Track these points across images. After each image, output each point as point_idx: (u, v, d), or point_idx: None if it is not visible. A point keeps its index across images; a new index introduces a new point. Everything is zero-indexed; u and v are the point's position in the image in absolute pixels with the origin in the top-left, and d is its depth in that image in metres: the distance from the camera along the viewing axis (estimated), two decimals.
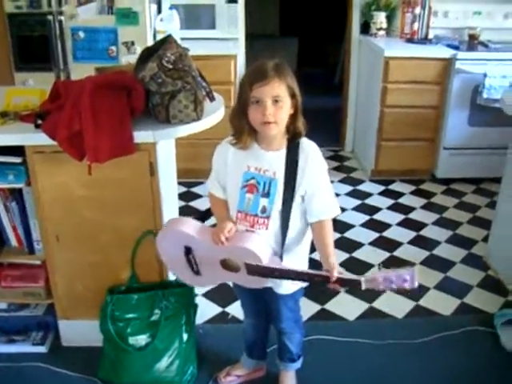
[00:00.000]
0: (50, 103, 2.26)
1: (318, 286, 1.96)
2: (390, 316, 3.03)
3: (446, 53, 4.32)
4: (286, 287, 2.16)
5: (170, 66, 2.21)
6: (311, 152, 1.99)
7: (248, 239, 1.99)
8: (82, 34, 3.78)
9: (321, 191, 2.00)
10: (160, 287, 2.48)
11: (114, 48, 3.81)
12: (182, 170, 3.82)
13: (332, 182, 4.40)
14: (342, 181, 4.69)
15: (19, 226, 2.49)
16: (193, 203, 4.20)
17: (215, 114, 2.39)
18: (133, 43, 3.82)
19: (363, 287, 1.82)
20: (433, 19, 4.72)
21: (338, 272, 1.88)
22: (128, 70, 2.43)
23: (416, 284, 1.78)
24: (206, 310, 2.96)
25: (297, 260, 2.09)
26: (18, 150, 2.29)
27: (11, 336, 2.73)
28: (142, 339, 2.43)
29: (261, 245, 1.99)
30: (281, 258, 2.02)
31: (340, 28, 6.95)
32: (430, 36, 4.70)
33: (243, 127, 1.94)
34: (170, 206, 2.66)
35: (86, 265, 2.52)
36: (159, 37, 4.04)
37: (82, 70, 3.68)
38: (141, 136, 2.22)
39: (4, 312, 2.75)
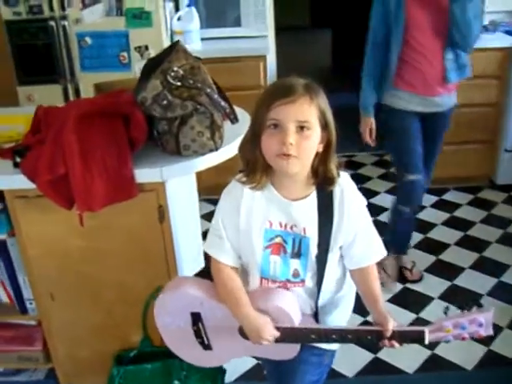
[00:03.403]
0: (31, 136, 1.82)
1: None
2: (457, 366, 2.52)
3: (506, 41, 3.77)
4: None
5: (178, 83, 1.75)
6: (346, 193, 1.49)
7: (277, 296, 1.54)
8: (89, 40, 3.34)
9: (361, 237, 1.53)
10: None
11: (125, 54, 3.37)
12: (209, 185, 3.37)
13: (378, 192, 4.06)
14: (389, 191, 4.15)
15: (7, 283, 2.07)
16: None
17: (239, 138, 1.90)
18: (146, 47, 3.37)
19: (427, 340, 1.45)
20: (487, 2, 4.13)
21: (393, 325, 1.47)
22: (133, 85, 1.98)
23: (491, 330, 1.46)
24: (237, 363, 2.48)
25: (337, 317, 1.66)
26: None
27: None
28: None
29: (292, 302, 1.55)
30: (315, 316, 1.60)
31: None
32: (486, 22, 4.12)
33: (256, 160, 1.44)
34: (190, 250, 2.19)
35: (89, 326, 2.10)
36: (177, 38, 3.58)
37: (91, 81, 3.27)
38: (145, 175, 1.77)
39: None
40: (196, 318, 1.61)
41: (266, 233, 1.50)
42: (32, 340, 2.20)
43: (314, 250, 1.50)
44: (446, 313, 1.49)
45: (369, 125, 2.81)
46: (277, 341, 1.53)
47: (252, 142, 1.43)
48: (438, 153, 3.04)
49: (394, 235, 3.03)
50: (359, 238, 1.53)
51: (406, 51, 2.65)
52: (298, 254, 1.51)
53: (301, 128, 1.36)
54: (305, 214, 1.48)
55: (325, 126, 1.41)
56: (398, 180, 2.91)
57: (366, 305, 1.57)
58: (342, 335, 1.51)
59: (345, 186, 1.50)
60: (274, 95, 1.37)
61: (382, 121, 2.82)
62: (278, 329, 1.51)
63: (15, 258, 2.01)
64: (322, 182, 1.47)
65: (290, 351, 1.60)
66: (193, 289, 1.62)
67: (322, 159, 1.44)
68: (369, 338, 1.49)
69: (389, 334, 1.44)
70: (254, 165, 1.45)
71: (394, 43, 2.65)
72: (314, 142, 1.39)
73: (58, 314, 2.07)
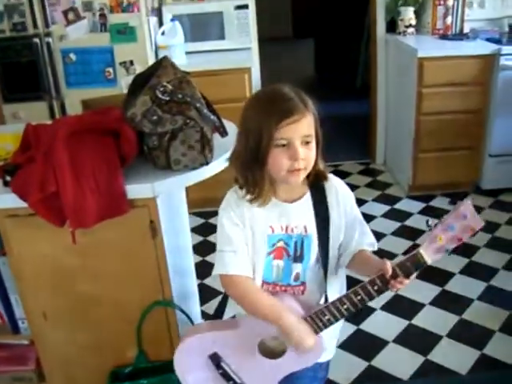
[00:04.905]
0: (20, 154, 1.81)
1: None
2: (451, 371, 2.52)
3: (488, 48, 3.80)
4: (328, 351, 1.68)
5: (167, 98, 1.75)
6: (340, 191, 1.57)
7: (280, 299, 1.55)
8: (73, 57, 3.34)
9: (357, 229, 1.59)
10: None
11: (110, 69, 3.37)
12: (196, 199, 3.36)
13: (366, 201, 4.07)
14: (376, 199, 4.18)
15: None
16: (212, 238, 3.72)
17: (229, 152, 1.90)
18: (132, 63, 3.38)
19: (427, 258, 1.40)
20: (467, 11, 4.20)
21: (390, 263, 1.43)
22: (121, 101, 1.97)
23: (480, 219, 1.42)
24: None
25: None
26: None
27: None
28: None
29: (292, 299, 1.56)
30: None
31: (359, 26, 6.49)
32: (466, 30, 4.18)
33: (263, 179, 1.46)
34: (182, 265, 2.19)
35: (83, 345, 2.06)
36: (161, 53, 3.59)
37: (76, 97, 3.28)
38: (136, 190, 1.76)
39: None
40: (216, 360, 1.58)
41: (269, 239, 1.52)
42: (25, 360, 2.17)
43: (315, 249, 1.53)
44: (429, 226, 1.44)
45: None
46: None
47: (255, 160, 1.43)
48: None
49: None
50: (357, 232, 1.58)
51: None
52: (300, 257, 1.53)
53: (304, 142, 1.42)
54: (303, 212, 1.52)
55: (316, 130, 1.45)
56: None
57: (363, 270, 1.56)
58: (352, 300, 1.46)
59: (337, 184, 1.58)
60: (278, 116, 1.38)
61: None
62: None
63: (7, 278, 1.99)
64: (314, 180, 1.53)
65: (315, 352, 1.55)
66: (196, 334, 1.61)
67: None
68: (376, 288, 1.44)
69: (390, 271, 1.40)
70: (260, 182, 1.47)
71: None
72: (314, 150, 1.45)
73: (51, 332, 2.04)
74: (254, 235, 1.52)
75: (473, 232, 1.41)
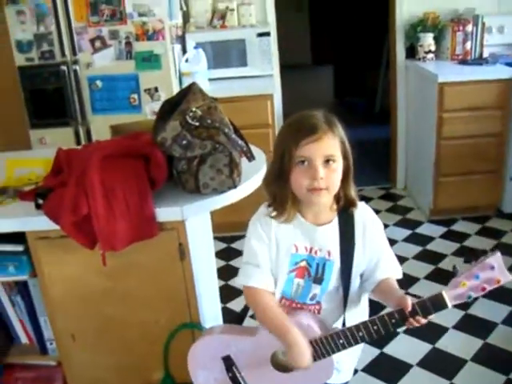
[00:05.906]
0: (52, 177, 1.86)
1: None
2: None
3: (507, 73, 3.82)
4: (345, 373, 1.71)
5: (197, 123, 1.79)
6: (367, 220, 1.59)
7: (294, 314, 1.58)
8: (99, 83, 3.42)
9: (383, 259, 1.60)
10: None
11: (135, 96, 3.44)
12: (219, 223, 3.39)
13: (387, 226, 4.07)
14: (397, 224, 4.18)
15: (27, 324, 2.09)
16: (234, 262, 3.74)
17: (256, 176, 1.95)
18: (156, 89, 3.44)
19: (448, 302, 1.43)
20: (486, 36, 4.23)
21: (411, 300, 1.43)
22: (149, 126, 2.02)
23: (508, 274, 1.40)
24: None
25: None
26: (19, 236, 1.89)
27: None
28: None
29: (310, 315, 1.59)
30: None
31: (377, 53, 6.55)
32: (485, 55, 4.21)
33: (286, 196, 1.51)
34: (209, 287, 2.21)
35: (110, 366, 2.09)
36: (185, 80, 3.66)
37: (102, 123, 3.35)
38: (166, 214, 1.79)
39: None
40: (228, 363, 1.63)
41: (292, 257, 1.56)
42: (52, 381, 2.19)
43: (335, 274, 1.55)
44: (455, 270, 1.45)
45: None
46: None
47: (279, 177, 1.49)
48: None
49: None
50: (382, 261, 1.59)
51: None
52: (320, 279, 1.56)
53: (327, 161, 1.44)
54: (329, 237, 1.55)
55: (345, 155, 1.48)
56: None
57: (385, 300, 1.57)
58: (368, 329, 1.48)
59: (365, 213, 1.59)
60: (299, 134, 1.44)
61: None
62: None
63: (36, 299, 2.02)
64: (343, 206, 1.55)
65: (325, 373, 1.59)
66: (213, 334, 1.67)
67: (342, 185, 1.51)
68: (393, 321, 1.45)
69: (409, 308, 1.41)
70: (283, 199, 1.52)
71: None
72: (339, 172, 1.48)
73: (78, 354, 2.07)
74: (278, 251, 1.57)
75: (498, 284, 1.41)
